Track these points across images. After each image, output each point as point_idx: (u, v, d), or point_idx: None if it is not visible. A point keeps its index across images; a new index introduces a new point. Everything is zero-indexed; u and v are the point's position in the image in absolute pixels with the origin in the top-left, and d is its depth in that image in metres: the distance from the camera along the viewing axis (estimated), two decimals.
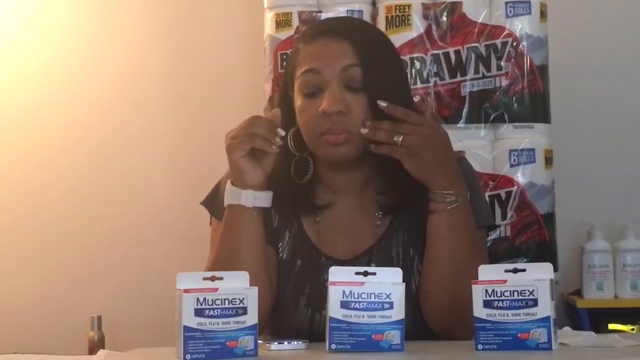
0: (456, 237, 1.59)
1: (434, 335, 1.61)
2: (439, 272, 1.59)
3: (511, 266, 1.37)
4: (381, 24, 2.53)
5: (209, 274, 1.33)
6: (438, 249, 1.60)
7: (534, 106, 2.55)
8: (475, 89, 2.53)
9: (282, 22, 2.62)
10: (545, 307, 1.33)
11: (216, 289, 1.30)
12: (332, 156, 1.65)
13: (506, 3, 2.55)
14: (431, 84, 2.54)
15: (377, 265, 1.42)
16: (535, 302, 1.33)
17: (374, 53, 1.64)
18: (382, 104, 1.58)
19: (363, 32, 1.69)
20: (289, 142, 1.68)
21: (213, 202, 1.74)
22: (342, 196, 1.70)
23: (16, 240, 3.20)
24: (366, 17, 2.57)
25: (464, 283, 1.56)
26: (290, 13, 2.62)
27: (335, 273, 1.38)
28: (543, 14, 2.58)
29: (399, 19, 2.55)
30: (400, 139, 1.56)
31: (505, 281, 1.35)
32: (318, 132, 1.62)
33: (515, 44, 2.53)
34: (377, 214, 1.68)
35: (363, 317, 1.36)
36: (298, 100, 1.66)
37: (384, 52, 1.68)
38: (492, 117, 2.53)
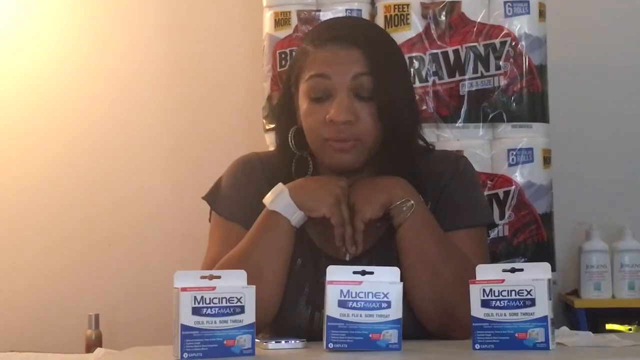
0: (423, 242, 1.59)
1: (431, 334, 1.61)
2: (415, 281, 1.57)
3: (509, 266, 1.37)
4: (380, 23, 2.51)
5: (207, 272, 1.33)
6: (409, 259, 1.59)
7: (532, 106, 2.54)
8: (473, 89, 2.53)
9: (280, 21, 2.62)
10: (543, 307, 1.32)
11: (214, 288, 1.30)
12: (337, 164, 1.64)
13: (505, 3, 2.54)
14: (430, 83, 2.53)
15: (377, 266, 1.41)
16: (532, 302, 1.33)
17: (384, 61, 1.64)
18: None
19: (374, 40, 1.67)
20: (289, 140, 1.68)
21: (215, 197, 1.74)
22: None
23: (14, 239, 3.20)
24: (365, 16, 2.56)
25: (444, 286, 1.57)
26: (289, 12, 2.61)
27: (333, 272, 1.38)
28: (542, 14, 2.57)
29: (398, 18, 2.54)
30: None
31: (502, 281, 1.35)
32: (323, 137, 1.62)
33: (514, 43, 2.53)
34: None
35: (361, 316, 1.35)
36: (304, 104, 1.65)
37: (393, 60, 1.68)
38: (490, 116, 2.53)
